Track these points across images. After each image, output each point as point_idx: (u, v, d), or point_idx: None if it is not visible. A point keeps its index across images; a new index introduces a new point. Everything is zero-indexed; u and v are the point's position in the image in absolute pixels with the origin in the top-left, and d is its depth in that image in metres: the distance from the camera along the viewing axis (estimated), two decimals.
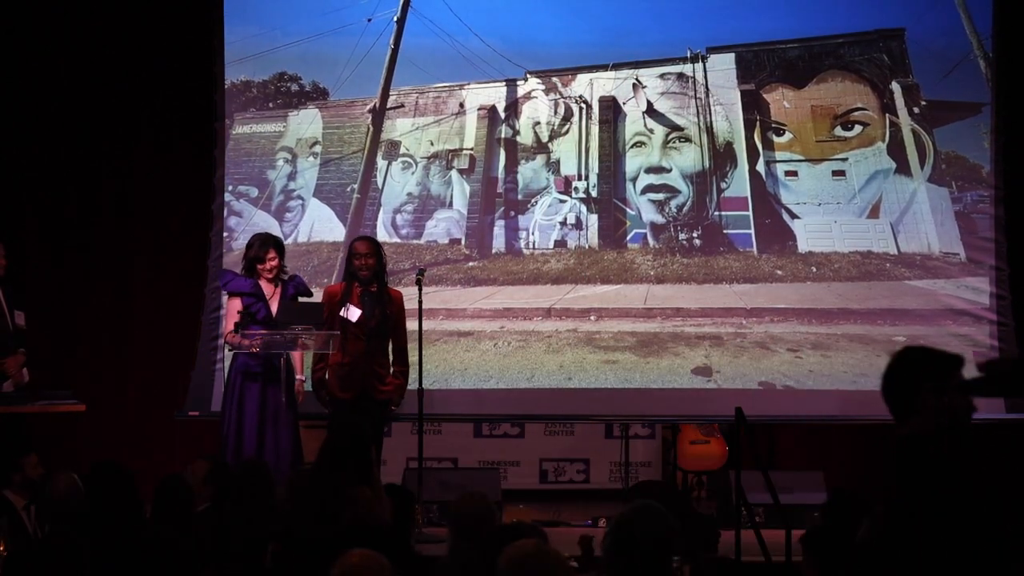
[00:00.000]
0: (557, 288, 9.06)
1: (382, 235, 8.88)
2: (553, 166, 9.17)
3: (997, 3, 9.29)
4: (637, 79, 9.16)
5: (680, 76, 9.18)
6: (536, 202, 9.14)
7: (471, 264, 9.09)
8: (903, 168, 9.27)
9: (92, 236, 9.78)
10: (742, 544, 7.15)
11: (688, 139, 9.20)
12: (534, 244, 9.12)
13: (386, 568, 3.50)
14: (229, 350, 7.92)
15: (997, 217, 9.21)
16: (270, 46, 9.09)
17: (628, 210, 9.15)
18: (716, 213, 9.16)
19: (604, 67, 9.16)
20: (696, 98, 9.17)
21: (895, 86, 9.28)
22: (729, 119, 9.21)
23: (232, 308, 7.80)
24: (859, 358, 9.02)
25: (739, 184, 9.18)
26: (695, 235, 9.14)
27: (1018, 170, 9.39)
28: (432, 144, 9.14)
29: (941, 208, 9.26)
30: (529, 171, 9.18)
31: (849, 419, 9.16)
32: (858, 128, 9.31)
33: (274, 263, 7.79)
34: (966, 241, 9.26)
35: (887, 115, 9.29)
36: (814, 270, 9.18)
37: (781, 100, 9.27)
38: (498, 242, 9.12)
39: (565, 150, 9.18)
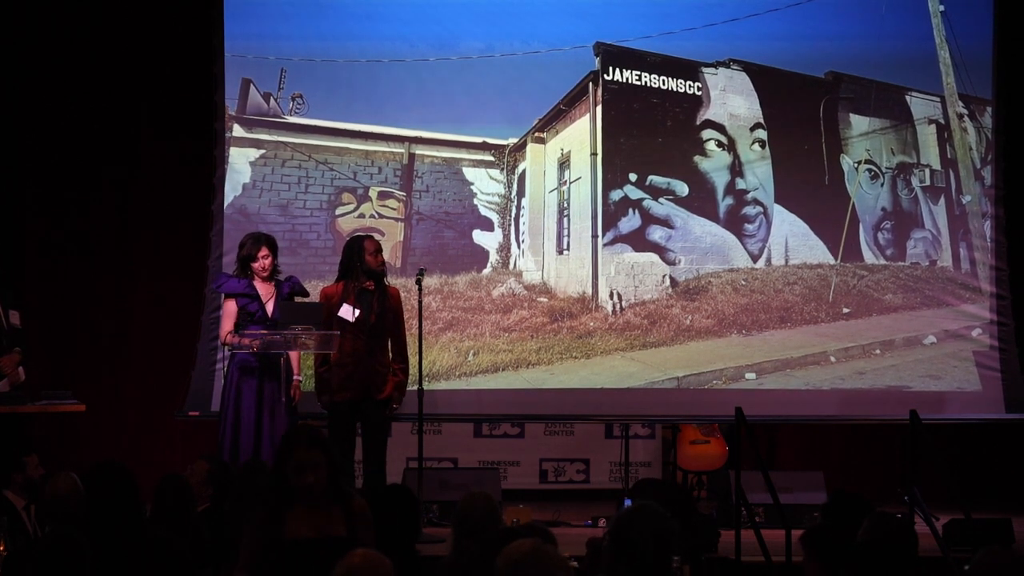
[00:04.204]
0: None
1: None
2: None
3: (997, 3, 9.30)
4: None
5: None
6: None
7: None
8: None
9: (92, 236, 9.78)
10: (742, 544, 7.15)
11: None
12: None
13: (388, 568, 3.50)
14: (228, 351, 7.92)
15: (997, 217, 9.22)
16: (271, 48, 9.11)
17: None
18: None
19: None
20: None
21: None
22: None
23: (229, 309, 7.82)
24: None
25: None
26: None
27: (1018, 170, 9.41)
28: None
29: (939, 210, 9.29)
30: None
31: (849, 419, 9.17)
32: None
33: (267, 261, 7.80)
34: (966, 242, 9.28)
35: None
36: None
37: None
38: None
39: None
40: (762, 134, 9.26)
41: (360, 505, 4.69)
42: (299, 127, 9.09)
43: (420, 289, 8.03)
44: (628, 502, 8.15)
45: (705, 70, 9.22)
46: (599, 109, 9.14)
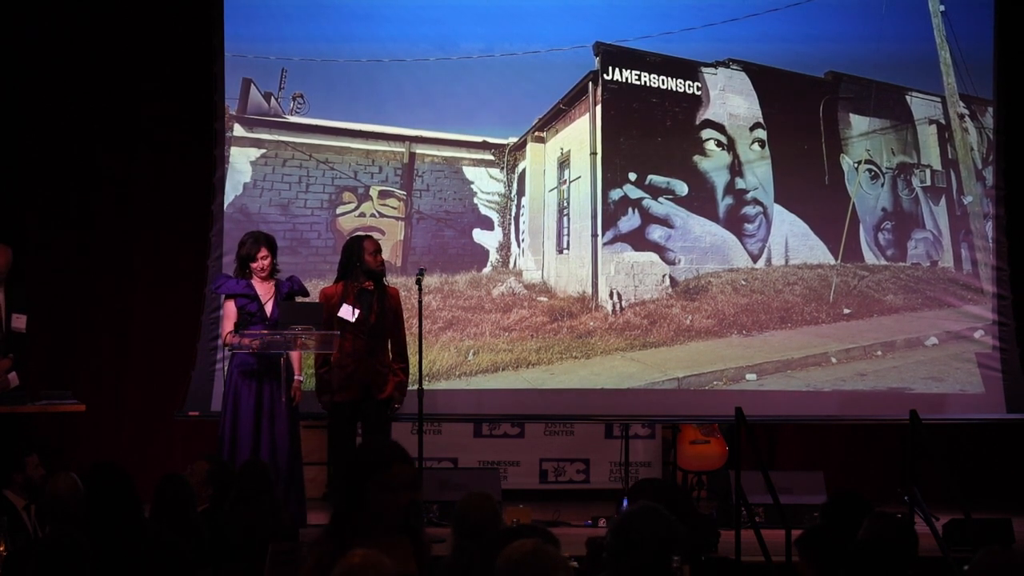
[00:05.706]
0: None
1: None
2: None
3: (998, 3, 9.30)
4: None
5: None
6: None
7: None
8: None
9: (92, 236, 9.78)
10: (742, 544, 7.15)
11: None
12: None
13: (388, 568, 3.49)
14: (228, 351, 7.92)
15: (997, 217, 9.22)
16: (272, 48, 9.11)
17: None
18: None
19: None
20: None
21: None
22: None
23: (228, 311, 7.84)
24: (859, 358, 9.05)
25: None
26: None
27: (1019, 170, 9.41)
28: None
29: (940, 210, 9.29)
30: None
31: (849, 419, 9.16)
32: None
33: (266, 262, 7.80)
34: (967, 242, 9.27)
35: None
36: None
37: None
38: None
39: None
40: (762, 134, 9.27)
41: (427, 536, 4.02)
42: (300, 127, 9.09)
43: (420, 288, 8.03)
44: (626, 502, 8.15)
45: (705, 70, 9.22)
46: (599, 109, 9.14)
